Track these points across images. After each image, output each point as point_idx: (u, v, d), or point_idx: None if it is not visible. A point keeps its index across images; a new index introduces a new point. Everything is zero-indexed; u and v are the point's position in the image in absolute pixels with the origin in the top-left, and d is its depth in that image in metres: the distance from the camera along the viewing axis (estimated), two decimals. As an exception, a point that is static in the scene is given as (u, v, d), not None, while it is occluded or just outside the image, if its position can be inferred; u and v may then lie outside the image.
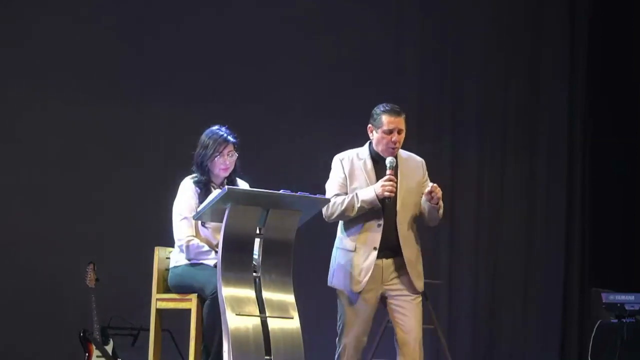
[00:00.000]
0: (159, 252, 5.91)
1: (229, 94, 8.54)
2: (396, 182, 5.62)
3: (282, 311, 5.40)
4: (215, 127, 5.91)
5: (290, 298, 5.46)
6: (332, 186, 5.75)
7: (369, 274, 5.61)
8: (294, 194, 5.50)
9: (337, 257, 5.76)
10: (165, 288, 5.88)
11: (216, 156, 5.81)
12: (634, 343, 7.60)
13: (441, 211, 5.76)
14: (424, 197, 5.70)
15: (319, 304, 7.39)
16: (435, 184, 5.66)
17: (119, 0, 8.43)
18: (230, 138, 5.85)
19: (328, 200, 5.63)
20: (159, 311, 5.87)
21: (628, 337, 7.61)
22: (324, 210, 5.69)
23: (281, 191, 5.47)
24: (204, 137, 5.88)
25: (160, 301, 5.85)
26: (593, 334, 7.84)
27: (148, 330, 5.95)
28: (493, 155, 9.52)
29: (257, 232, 5.44)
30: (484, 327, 9.35)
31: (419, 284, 5.71)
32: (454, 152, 9.38)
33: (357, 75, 8.97)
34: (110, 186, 8.22)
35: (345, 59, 8.99)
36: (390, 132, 5.67)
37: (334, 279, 5.75)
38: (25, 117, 8.13)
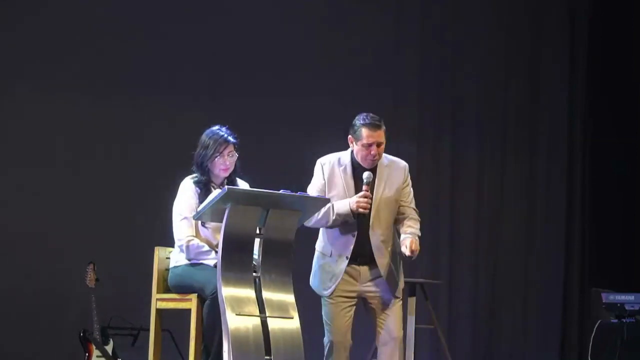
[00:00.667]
0: (159, 252, 5.90)
1: (230, 94, 8.54)
2: (371, 199, 5.68)
3: (282, 311, 5.40)
4: (215, 127, 5.91)
5: (290, 298, 5.46)
6: (312, 190, 5.81)
7: (338, 281, 5.70)
8: (294, 194, 5.51)
9: (315, 259, 5.86)
10: (165, 288, 5.88)
11: (216, 156, 5.81)
12: (634, 343, 7.60)
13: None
14: (402, 248, 5.74)
15: (319, 303, 7.40)
16: (412, 250, 5.69)
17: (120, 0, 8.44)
18: (230, 138, 5.84)
19: (328, 200, 5.64)
20: (159, 311, 5.86)
21: (628, 337, 7.61)
22: None
23: (281, 191, 5.47)
24: (204, 137, 5.88)
25: (160, 301, 5.85)
26: (593, 334, 7.84)
27: (148, 330, 5.95)
28: (493, 155, 9.52)
29: (257, 232, 5.44)
30: (484, 327, 9.35)
31: (396, 291, 5.79)
32: (454, 152, 9.38)
33: (357, 76, 8.97)
34: (110, 186, 8.22)
35: (345, 59, 8.99)
36: (369, 145, 5.71)
37: (312, 279, 5.86)
38: (25, 117, 8.13)
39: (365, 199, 5.64)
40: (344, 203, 5.68)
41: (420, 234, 5.83)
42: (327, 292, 5.74)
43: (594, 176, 9.59)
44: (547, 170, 9.56)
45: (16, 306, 7.87)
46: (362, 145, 5.71)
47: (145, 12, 8.44)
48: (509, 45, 9.59)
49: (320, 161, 5.87)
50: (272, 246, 5.44)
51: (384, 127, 5.76)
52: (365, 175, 5.68)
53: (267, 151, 8.32)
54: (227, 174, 5.87)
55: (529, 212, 9.52)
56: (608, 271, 9.23)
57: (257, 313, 5.33)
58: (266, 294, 5.40)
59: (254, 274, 5.43)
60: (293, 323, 5.41)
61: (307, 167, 7.26)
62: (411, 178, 9.32)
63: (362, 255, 5.73)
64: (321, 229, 5.84)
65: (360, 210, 5.63)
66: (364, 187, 5.66)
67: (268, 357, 5.28)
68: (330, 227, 5.74)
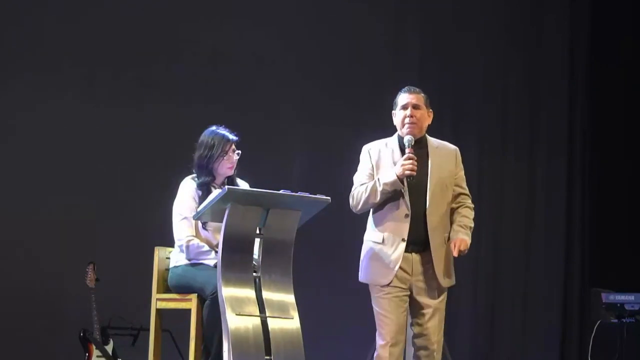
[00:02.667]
0: (159, 252, 5.91)
1: (229, 95, 8.54)
2: (417, 161, 5.47)
3: (282, 311, 5.40)
4: (214, 128, 5.91)
5: (290, 298, 5.46)
6: (359, 176, 5.62)
7: (398, 266, 5.45)
8: (294, 194, 5.51)
9: (365, 250, 5.59)
10: (165, 288, 5.88)
11: (223, 156, 5.81)
12: (634, 343, 7.60)
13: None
14: (451, 245, 5.56)
15: (319, 303, 7.40)
16: (460, 251, 5.53)
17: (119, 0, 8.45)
18: (232, 136, 5.86)
19: (328, 200, 5.60)
20: (159, 311, 5.87)
21: (628, 337, 7.61)
22: (350, 201, 5.59)
23: (281, 191, 5.48)
24: (206, 138, 5.86)
25: (160, 301, 5.85)
26: (593, 334, 7.84)
27: (148, 330, 5.96)
28: (493, 155, 9.52)
29: (257, 232, 5.44)
30: (484, 327, 9.35)
31: (445, 281, 5.56)
32: (453, 152, 9.38)
33: (357, 76, 8.97)
34: (110, 186, 8.22)
35: (345, 58, 9.00)
36: (405, 107, 5.63)
37: (363, 272, 5.59)
38: (26, 117, 8.13)
39: (410, 161, 5.44)
40: (389, 172, 5.48)
41: (472, 225, 5.64)
42: (385, 280, 5.44)
43: (594, 176, 9.59)
44: (547, 170, 9.56)
45: (16, 306, 7.87)
46: (399, 110, 5.64)
47: (145, 11, 8.44)
48: (509, 45, 9.60)
49: (366, 147, 5.68)
50: (272, 246, 5.45)
51: (423, 95, 5.69)
52: (407, 138, 5.52)
53: (267, 151, 8.32)
54: (232, 172, 5.88)
55: (528, 212, 9.52)
56: (608, 271, 9.23)
57: (257, 313, 5.34)
58: (266, 294, 5.40)
59: (254, 274, 5.43)
60: (293, 323, 5.41)
61: (307, 167, 7.31)
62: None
63: (416, 240, 5.48)
64: (369, 219, 5.61)
65: (407, 172, 5.41)
66: (408, 150, 5.48)
67: (268, 357, 5.29)
68: (379, 202, 5.48)
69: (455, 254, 5.52)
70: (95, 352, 7.54)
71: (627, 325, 7.64)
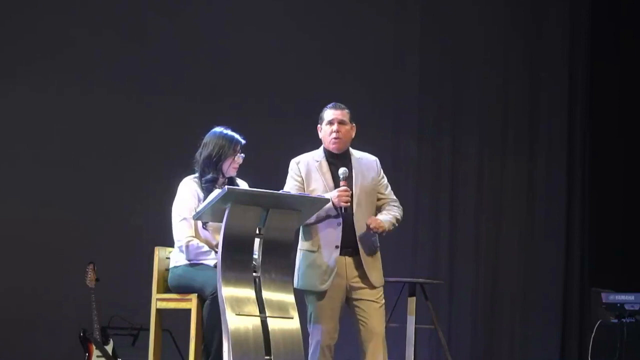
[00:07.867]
0: (159, 252, 5.90)
1: (230, 95, 8.54)
2: (351, 191, 5.76)
3: (282, 311, 5.40)
4: (221, 128, 5.89)
5: (290, 298, 5.46)
6: (289, 190, 5.84)
7: (334, 272, 5.73)
8: (294, 194, 5.51)
9: (300, 259, 5.85)
10: (165, 288, 5.87)
11: (232, 156, 5.81)
12: (634, 343, 7.60)
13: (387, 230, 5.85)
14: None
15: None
16: (372, 221, 5.76)
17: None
18: (242, 139, 5.88)
19: (328, 201, 5.64)
20: (159, 311, 5.86)
21: (628, 337, 7.61)
22: None
23: (281, 191, 5.48)
24: (216, 138, 5.82)
25: (160, 301, 5.85)
26: (593, 334, 7.84)
27: (148, 330, 5.95)
28: (493, 155, 9.53)
29: (257, 232, 5.44)
30: (484, 327, 9.36)
31: (376, 280, 5.81)
32: (454, 152, 9.39)
33: (357, 76, 8.97)
34: (110, 186, 8.23)
35: (346, 59, 9.00)
36: (331, 123, 5.85)
37: (300, 280, 5.82)
38: (25, 117, 8.13)
39: (346, 193, 5.72)
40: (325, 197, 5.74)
41: (399, 217, 5.90)
42: (324, 286, 5.73)
43: (594, 175, 9.59)
44: (547, 170, 9.57)
45: (16, 306, 7.87)
46: (325, 125, 5.87)
47: (145, 11, 8.44)
48: (509, 44, 9.60)
49: (294, 160, 5.94)
50: (272, 246, 5.45)
51: (348, 112, 5.90)
52: (341, 171, 5.77)
53: (268, 151, 8.32)
54: (234, 173, 5.89)
55: (528, 212, 9.53)
56: (608, 271, 9.24)
57: (257, 313, 5.33)
58: (266, 294, 5.40)
59: (254, 274, 5.43)
60: (293, 323, 5.41)
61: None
62: (412, 178, 9.37)
63: (348, 245, 5.77)
64: (301, 229, 5.85)
65: (342, 204, 5.70)
66: (342, 183, 5.74)
67: (268, 357, 5.28)
68: (314, 222, 5.76)
69: (370, 223, 5.75)
70: (95, 352, 7.54)
71: (627, 325, 7.64)
